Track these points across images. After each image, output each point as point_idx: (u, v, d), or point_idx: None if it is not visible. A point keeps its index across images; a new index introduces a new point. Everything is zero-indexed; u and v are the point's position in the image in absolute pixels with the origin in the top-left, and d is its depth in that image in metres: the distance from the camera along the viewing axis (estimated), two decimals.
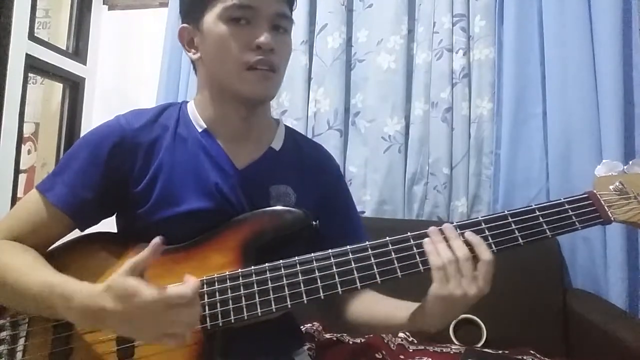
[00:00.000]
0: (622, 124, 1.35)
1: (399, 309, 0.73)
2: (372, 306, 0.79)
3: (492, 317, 1.32)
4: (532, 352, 1.22)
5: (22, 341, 0.68)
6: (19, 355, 0.67)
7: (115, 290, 0.55)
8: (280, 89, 1.72)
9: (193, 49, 0.77)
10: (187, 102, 0.83)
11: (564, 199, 0.66)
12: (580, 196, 0.67)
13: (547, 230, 0.64)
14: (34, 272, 0.65)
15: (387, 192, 1.63)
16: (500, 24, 1.60)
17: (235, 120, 0.77)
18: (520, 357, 1.20)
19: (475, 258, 0.62)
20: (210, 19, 0.72)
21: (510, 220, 0.65)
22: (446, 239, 0.63)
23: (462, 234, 0.64)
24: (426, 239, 0.64)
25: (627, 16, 1.41)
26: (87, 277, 0.68)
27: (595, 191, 0.67)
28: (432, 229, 0.65)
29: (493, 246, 0.64)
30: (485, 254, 0.62)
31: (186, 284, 0.57)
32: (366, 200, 1.65)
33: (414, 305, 0.70)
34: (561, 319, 1.33)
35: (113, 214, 0.79)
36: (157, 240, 0.59)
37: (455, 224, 0.65)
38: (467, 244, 0.63)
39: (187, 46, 0.78)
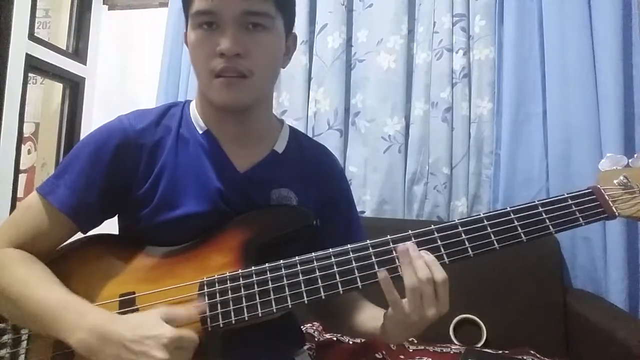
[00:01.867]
0: (622, 123, 1.35)
1: (371, 319, 0.75)
2: (351, 313, 0.81)
3: (492, 317, 1.32)
4: (532, 352, 1.22)
5: (24, 344, 0.67)
6: (21, 358, 0.67)
7: (139, 318, 0.59)
8: (280, 89, 1.73)
9: None
10: (190, 101, 0.82)
11: (568, 194, 0.66)
12: (584, 191, 0.66)
13: (551, 227, 0.64)
14: (45, 286, 0.65)
15: (387, 192, 1.63)
16: (500, 24, 1.60)
17: (229, 125, 0.76)
18: (520, 357, 1.20)
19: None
20: (189, 26, 0.72)
21: (512, 216, 0.64)
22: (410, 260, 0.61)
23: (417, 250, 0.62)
24: (381, 273, 0.62)
25: (627, 16, 1.41)
26: (89, 279, 0.69)
27: (599, 186, 0.66)
28: (400, 249, 0.62)
29: (496, 243, 0.63)
30: (439, 274, 0.60)
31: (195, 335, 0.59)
32: (366, 200, 1.65)
33: (381, 318, 0.70)
34: (561, 319, 1.32)
35: (115, 216, 0.79)
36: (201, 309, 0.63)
37: (457, 221, 0.65)
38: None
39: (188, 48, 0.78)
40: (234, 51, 0.67)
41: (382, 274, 0.62)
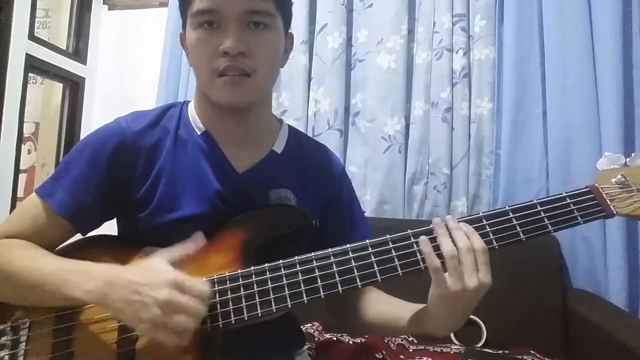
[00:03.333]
0: (622, 123, 1.35)
1: (405, 312, 0.73)
2: (381, 308, 0.79)
3: (492, 317, 1.32)
4: (532, 352, 1.22)
5: (22, 346, 0.67)
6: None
7: (142, 264, 0.60)
8: (280, 89, 1.73)
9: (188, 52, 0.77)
10: (189, 102, 0.82)
11: (566, 193, 0.66)
12: (582, 190, 0.66)
13: (549, 225, 0.64)
14: (45, 257, 0.67)
15: (387, 192, 1.63)
16: (500, 24, 1.60)
17: (229, 124, 0.76)
18: (520, 357, 1.20)
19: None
20: (188, 26, 0.72)
21: (511, 215, 0.65)
22: (449, 231, 0.62)
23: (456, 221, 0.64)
24: (422, 238, 0.63)
25: (627, 16, 1.41)
26: None
27: (597, 185, 0.67)
28: (436, 221, 0.64)
29: (494, 242, 0.63)
30: (478, 243, 0.61)
31: (205, 283, 0.60)
32: (366, 200, 1.65)
33: (419, 308, 0.70)
34: (561, 319, 1.32)
35: (114, 218, 0.79)
36: (199, 237, 0.64)
37: (455, 220, 0.65)
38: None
39: (185, 50, 0.77)
40: (237, 50, 0.67)
41: (423, 239, 0.63)
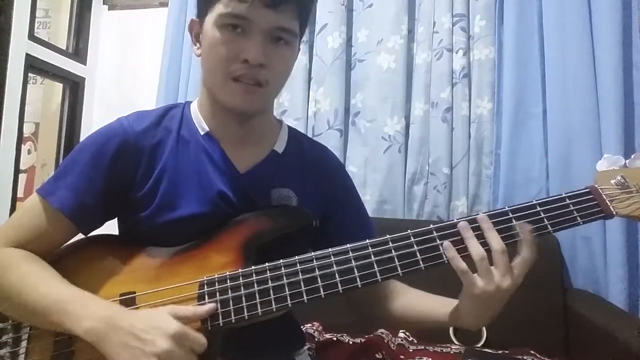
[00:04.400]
0: (622, 124, 1.35)
1: (437, 307, 0.74)
2: (411, 302, 0.80)
3: None
4: (532, 352, 1.22)
5: (24, 344, 0.68)
6: (21, 358, 0.67)
7: (147, 311, 0.61)
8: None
9: (198, 43, 0.76)
10: (191, 102, 0.82)
11: (565, 193, 0.66)
12: (582, 191, 0.67)
13: (549, 226, 0.64)
14: (46, 283, 0.65)
15: (387, 192, 1.63)
16: (500, 24, 1.60)
17: (232, 124, 0.77)
18: (520, 357, 1.20)
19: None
20: (210, 21, 0.71)
21: (511, 216, 0.65)
22: (481, 232, 0.63)
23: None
24: (445, 244, 0.63)
25: (627, 16, 1.41)
26: (90, 279, 0.69)
27: (596, 185, 0.67)
28: (462, 225, 0.64)
29: None
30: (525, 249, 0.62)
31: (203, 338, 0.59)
32: (366, 200, 1.64)
33: (452, 304, 0.71)
34: (561, 319, 1.32)
35: (115, 217, 0.79)
36: (211, 307, 0.63)
37: (456, 220, 0.65)
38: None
39: (194, 39, 0.77)
40: (259, 61, 0.68)
41: (447, 244, 0.63)
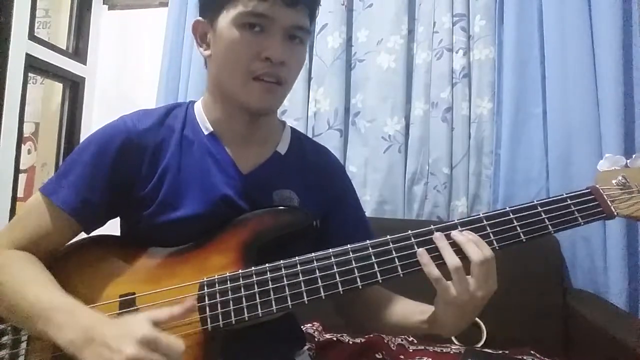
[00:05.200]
0: (622, 123, 1.35)
1: (414, 314, 0.74)
2: (392, 309, 0.79)
3: (492, 317, 1.32)
4: (532, 352, 1.22)
5: (23, 345, 0.67)
6: (20, 359, 0.67)
7: (120, 319, 0.59)
8: None
9: (205, 44, 0.75)
10: (194, 102, 0.82)
11: (566, 194, 0.66)
12: (583, 191, 0.67)
13: (550, 226, 0.64)
14: (38, 289, 0.64)
15: (387, 192, 1.63)
16: (500, 23, 1.60)
17: (240, 124, 0.77)
18: (520, 357, 1.20)
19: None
20: (225, 20, 0.70)
21: (512, 216, 0.65)
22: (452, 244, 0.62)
23: (462, 233, 0.63)
24: (419, 251, 0.63)
25: (627, 16, 1.41)
26: (90, 280, 0.69)
27: (597, 186, 0.67)
28: (437, 235, 0.64)
29: (495, 243, 0.64)
30: (488, 252, 0.61)
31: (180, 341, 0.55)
32: (366, 200, 1.65)
33: (429, 310, 0.70)
34: (561, 319, 1.32)
35: (118, 216, 0.79)
36: (191, 304, 0.61)
37: (456, 221, 0.65)
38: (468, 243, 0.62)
39: (199, 40, 0.76)
40: (281, 59, 0.69)
41: (421, 251, 0.63)
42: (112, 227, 0.79)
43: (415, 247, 0.64)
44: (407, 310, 0.77)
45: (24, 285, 0.64)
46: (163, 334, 0.54)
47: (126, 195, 0.73)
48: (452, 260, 0.61)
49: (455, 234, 0.63)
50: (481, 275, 0.60)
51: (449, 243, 0.63)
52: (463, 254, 0.62)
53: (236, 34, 0.69)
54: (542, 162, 1.53)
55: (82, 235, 0.75)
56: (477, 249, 0.61)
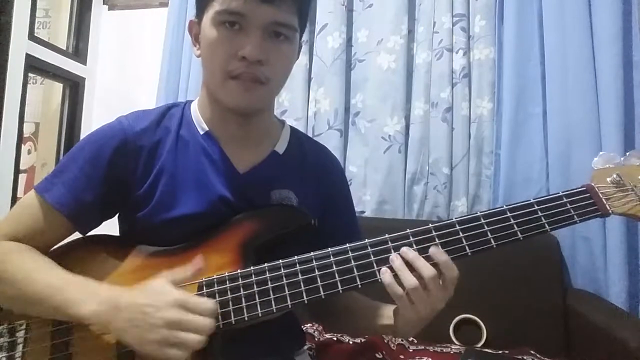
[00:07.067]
0: (622, 123, 1.35)
1: (375, 317, 0.75)
2: (362, 312, 0.80)
3: (492, 317, 1.32)
4: (532, 352, 1.22)
5: (20, 348, 0.67)
6: None
7: (145, 286, 0.60)
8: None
9: (198, 44, 0.75)
10: (191, 101, 0.82)
11: (562, 192, 0.66)
12: (578, 189, 0.67)
13: (546, 225, 0.64)
14: (46, 270, 0.66)
15: (387, 192, 1.63)
16: (500, 23, 1.60)
17: (232, 124, 0.76)
18: (520, 357, 1.20)
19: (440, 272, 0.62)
20: (207, 19, 0.70)
21: (509, 214, 0.65)
22: (408, 263, 0.62)
23: (425, 249, 0.63)
24: (383, 270, 0.63)
25: (627, 16, 1.41)
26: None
27: (593, 184, 0.67)
28: (392, 257, 0.63)
29: (492, 241, 0.64)
30: (443, 258, 0.62)
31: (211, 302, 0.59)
32: (366, 200, 1.65)
33: (389, 318, 0.71)
34: (561, 319, 1.33)
35: (114, 216, 0.78)
36: (199, 262, 0.63)
37: (454, 219, 0.65)
38: (431, 259, 0.62)
39: (193, 40, 0.76)
40: (257, 57, 0.67)
41: (384, 270, 0.62)
42: (112, 228, 0.79)
43: (414, 245, 0.64)
44: (376, 314, 0.77)
45: (31, 269, 0.65)
46: (191, 294, 0.58)
47: (122, 196, 0.73)
48: (408, 281, 0.61)
49: (404, 251, 0.63)
50: (436, 289, 0.61)
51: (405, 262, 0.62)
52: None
53: (214, 33, 0.69)
54: (542, 162, 1.53)
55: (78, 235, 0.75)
56: (427, 266, 0.61)
